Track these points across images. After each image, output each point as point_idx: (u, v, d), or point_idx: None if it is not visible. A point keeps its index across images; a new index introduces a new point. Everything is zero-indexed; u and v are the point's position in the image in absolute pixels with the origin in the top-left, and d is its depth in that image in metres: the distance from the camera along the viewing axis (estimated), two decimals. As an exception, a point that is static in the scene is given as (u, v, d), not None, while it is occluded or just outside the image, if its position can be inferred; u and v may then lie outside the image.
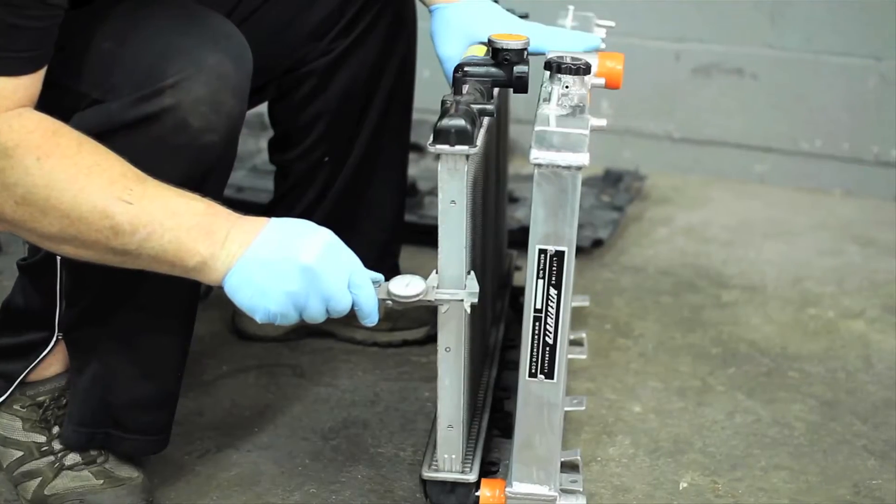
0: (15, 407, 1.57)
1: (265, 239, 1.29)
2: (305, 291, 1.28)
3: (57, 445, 1.57)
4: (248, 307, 1.30)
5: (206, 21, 1.40)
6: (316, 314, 1.30)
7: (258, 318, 1.30)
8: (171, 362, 1.55)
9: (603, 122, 1.33)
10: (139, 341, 1.52)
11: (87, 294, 1.49)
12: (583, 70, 1.36)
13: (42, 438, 1.57)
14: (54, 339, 1.53)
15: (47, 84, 1.28)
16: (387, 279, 1.34)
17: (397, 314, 1.99)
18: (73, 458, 1.57)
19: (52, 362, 1.56)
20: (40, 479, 1.56)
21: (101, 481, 1.56)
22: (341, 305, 1.30)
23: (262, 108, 1.93)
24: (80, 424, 1.55)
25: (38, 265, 1.49)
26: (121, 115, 1.33)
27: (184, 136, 1.34)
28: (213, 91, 1.35)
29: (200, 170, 1.33)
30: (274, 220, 1.32)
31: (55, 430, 1.57)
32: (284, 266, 1.28)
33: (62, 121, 1.27)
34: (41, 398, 1.57)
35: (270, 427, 1.80)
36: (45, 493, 1.56)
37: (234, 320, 2.04)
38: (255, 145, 2.74)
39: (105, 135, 1.30)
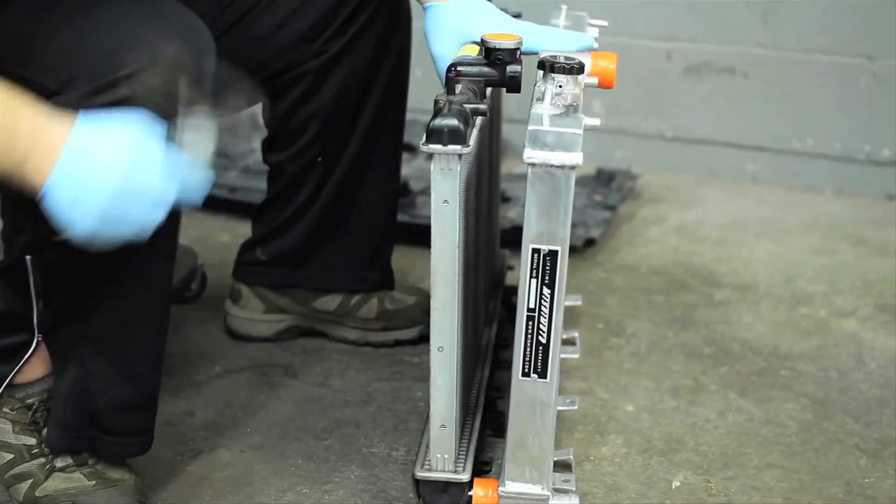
0: (4, 410, 1.57)
1: (67, 160, 1.22)
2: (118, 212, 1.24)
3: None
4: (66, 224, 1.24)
5: (167, 11, 1.37)
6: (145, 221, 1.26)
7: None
8: (148, 363, 1.54)
9: (596, 122, 1.33)
10: (115, 343, 1.50)
11: (59, 292, 1.48)
12: (576, 69, 1.36)
13: (32, 441, 1.57)
14: (35, 340, 1.52)
15: (7, 76, 1.24)
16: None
17: (390, 314, 1.99)
18: (64, 459, 1.56)
19: (38, 364, 1.55)
20: (31, 480, 1.56)
21: (93, 482, 1.55)
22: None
23: (255, 107, 1.92)
24: (64, 428, 1.54)
25: (11, 267, 1.48)
26: (77, 106, 1.28)
27: None
28: (170, 81, 1.31)
29: None
30: (75, 130, 1.23)
31: (45, 432, 1.56)
32: (93, 190, 1.22)
33: None
34: (30, 400, 1.56)
35: (263, 427, 1.79)
36: (37, 494, 1.55)
37: (227, 321, 2.04)
38: (247, 145, 2.73)
39: None
